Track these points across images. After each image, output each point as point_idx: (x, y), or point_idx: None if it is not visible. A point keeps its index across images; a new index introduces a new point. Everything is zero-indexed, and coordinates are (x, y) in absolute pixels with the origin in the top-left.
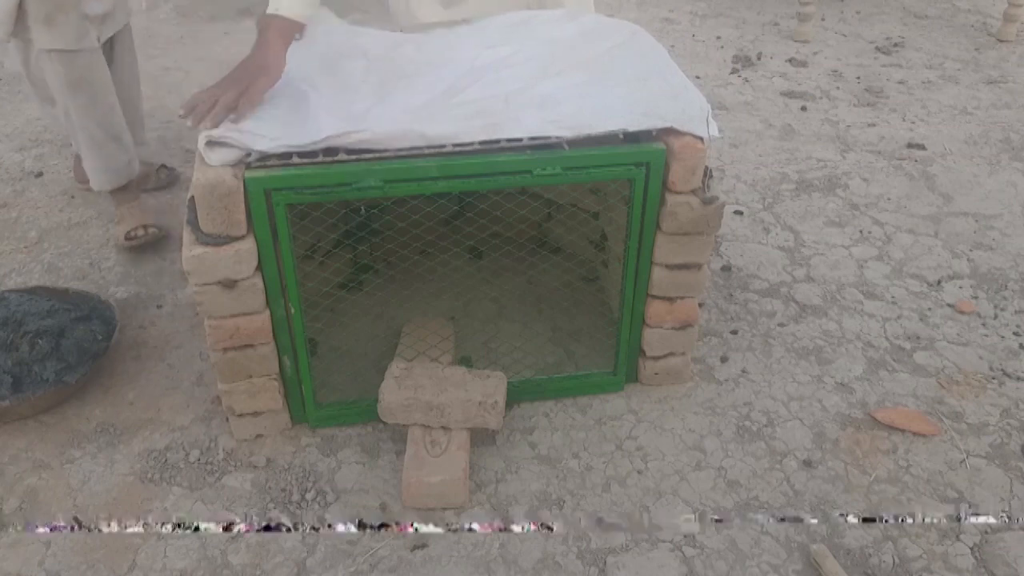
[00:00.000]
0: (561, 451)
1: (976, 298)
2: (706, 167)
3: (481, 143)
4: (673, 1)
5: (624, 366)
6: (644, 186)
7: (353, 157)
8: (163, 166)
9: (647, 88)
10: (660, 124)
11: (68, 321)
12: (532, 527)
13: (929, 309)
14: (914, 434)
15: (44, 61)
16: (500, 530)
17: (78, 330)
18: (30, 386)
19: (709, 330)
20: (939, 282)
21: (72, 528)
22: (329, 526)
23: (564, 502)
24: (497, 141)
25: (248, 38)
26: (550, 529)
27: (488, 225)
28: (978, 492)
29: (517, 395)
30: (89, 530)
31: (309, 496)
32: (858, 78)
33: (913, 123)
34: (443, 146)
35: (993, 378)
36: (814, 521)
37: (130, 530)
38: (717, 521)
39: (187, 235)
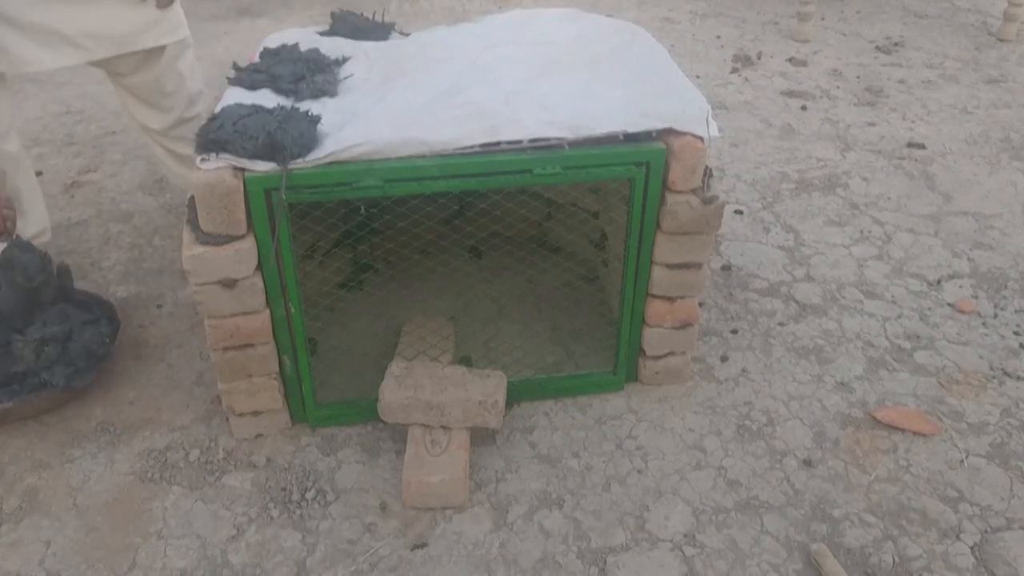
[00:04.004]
0: (561, 450)
1: (976, 297)
2: (706, 166)
3: (481, 145)
4: (673, 1)
5: (624, 366)
6: (644, 185)
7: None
8: None
9: (647, 88)
10: (660, 124)
11: (77, 324)
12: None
13: (929, 308)
14: (914, 433)
15: None
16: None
17: (86, 333)
18: (37, 390)
19: (709, 329)
20: (939, 281)
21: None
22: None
23: (564, 501)
24: (497, 143)
25: (248, 37)
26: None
27: (488, 225)
28: (978, 492)
29: (517, 395)
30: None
31: (309, 496)
32: (858, 77)
33: (913, 122)
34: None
35: (993, 377)
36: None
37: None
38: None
39: (187, 235)
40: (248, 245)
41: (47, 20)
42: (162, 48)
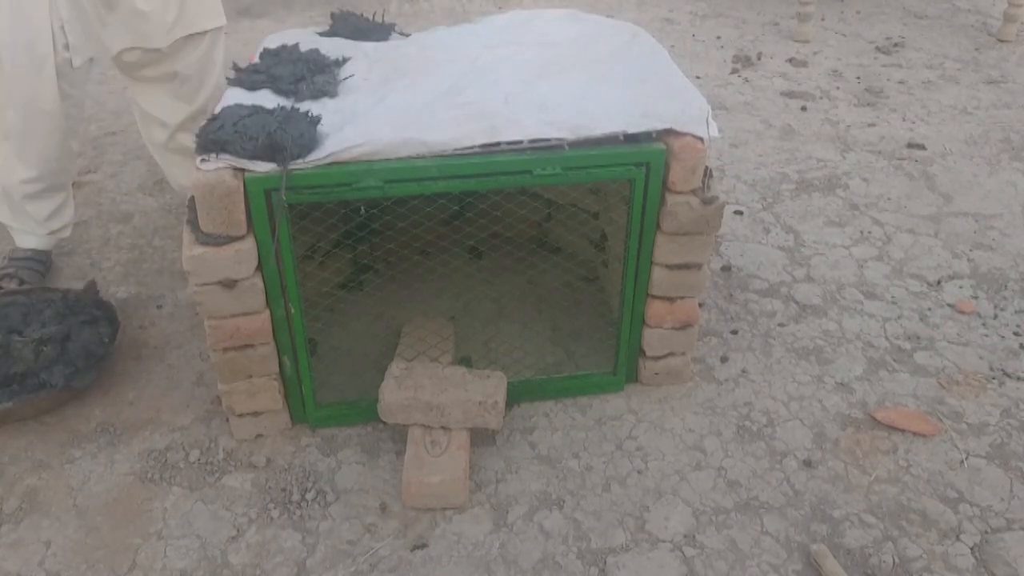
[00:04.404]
0: (561, 451)
1: (976, 298)
2: (706, 167)
3: (481, 145)
4: (673, 1)
5: (624, 366)
6: (644, 186)
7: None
8: None
9: (647, 89)
10: (660, 125)
11: (76, 324)
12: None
13: (929, 309)
14: (914, 434)
15: None
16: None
17: (85, 333)
18: (36, 390)
19: (709, 330)
20: (939, 282)
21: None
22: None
23: (564, 502)
24: (497, 144)
25: (248, 37)
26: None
27: (488, 225)
28: (978, 492)
29: (517, 395)
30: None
31: (309, 496)
32: (858, 78)
33: (913, 123)
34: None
35: (993, 378)
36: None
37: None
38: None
39: (187, 235)
40: (248, 246)
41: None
42: (204, 33)
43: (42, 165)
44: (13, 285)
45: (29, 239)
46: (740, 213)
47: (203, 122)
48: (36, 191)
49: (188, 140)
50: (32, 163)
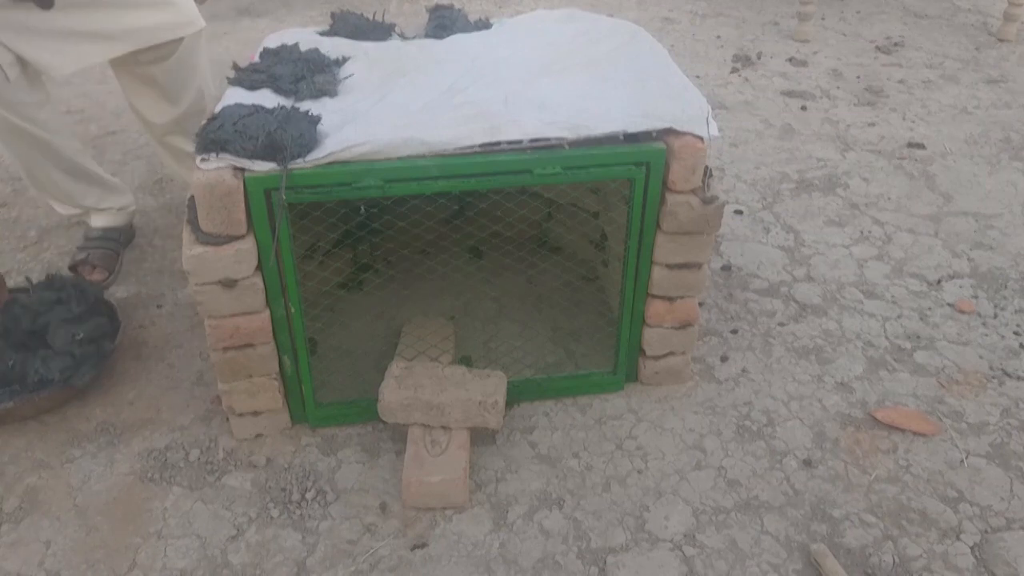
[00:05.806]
0: (561, 451)
1: (976, 298)
2: (706, 167)
3: (481, 145)
4: (673, 1)
5: (624, 365)
6: (644, 186)
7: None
8: None
9: (647, 88)
10: (660, 125)
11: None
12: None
13: (929, 309)
14: (914, 434)
15: None
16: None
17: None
18: (35, 388)
19: (709, 330)
20: (939, 282)
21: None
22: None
23: (564, 502)
24: (497, 143)
25: (248, 37)
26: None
27: (488, 225)
28: (978, 492)
29: (517, 395)
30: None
31: (309, 496)
32: (858, 77)
33: (913, 122)
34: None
35: (993, 377)
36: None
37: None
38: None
39: (187, 234)
40: (248, 245)
41: (68, 24)
42: (180, 40)
43: (37, 168)
44: (88, 271)
45: (97, 219)
46: (740, 213)
47: (190, 123)
48: (56, 184)
49: (177, 142)
50: (29, 165)
